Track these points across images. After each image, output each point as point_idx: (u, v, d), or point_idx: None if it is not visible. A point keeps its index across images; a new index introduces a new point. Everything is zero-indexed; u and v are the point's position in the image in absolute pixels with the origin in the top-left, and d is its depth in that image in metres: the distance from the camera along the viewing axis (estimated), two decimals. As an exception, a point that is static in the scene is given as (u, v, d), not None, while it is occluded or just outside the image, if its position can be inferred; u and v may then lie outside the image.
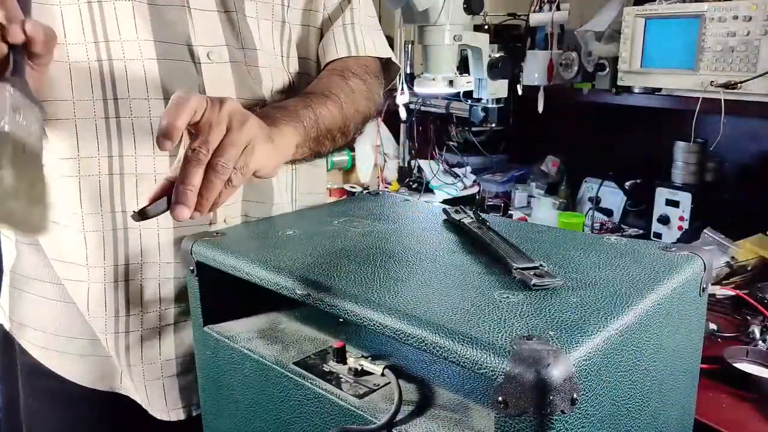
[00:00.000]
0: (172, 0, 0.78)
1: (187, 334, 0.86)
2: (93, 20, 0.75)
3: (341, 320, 0.59)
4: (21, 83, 0.63)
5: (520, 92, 1.92)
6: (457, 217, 0.78)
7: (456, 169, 2.35)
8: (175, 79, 0.78)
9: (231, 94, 0.82)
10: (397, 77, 2.12)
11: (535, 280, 0.56)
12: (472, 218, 0.77)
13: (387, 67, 1.01)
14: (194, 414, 0.88)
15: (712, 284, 1.30)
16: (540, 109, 1.88)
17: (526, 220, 1.99)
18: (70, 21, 0.75)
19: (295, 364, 0.66)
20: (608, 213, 1.93)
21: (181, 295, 0.84)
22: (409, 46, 2.17)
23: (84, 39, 0.76)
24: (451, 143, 2.41)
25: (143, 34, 0.77)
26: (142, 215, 0.63)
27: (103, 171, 0.78)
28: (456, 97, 2.00)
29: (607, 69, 1.72)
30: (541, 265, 0.60)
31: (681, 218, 1.66)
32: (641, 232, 1.81)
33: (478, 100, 1.86)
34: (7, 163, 0.57)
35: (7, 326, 0.92)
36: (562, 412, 0.45)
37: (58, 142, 0.78)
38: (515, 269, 0.59)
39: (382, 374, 0.62)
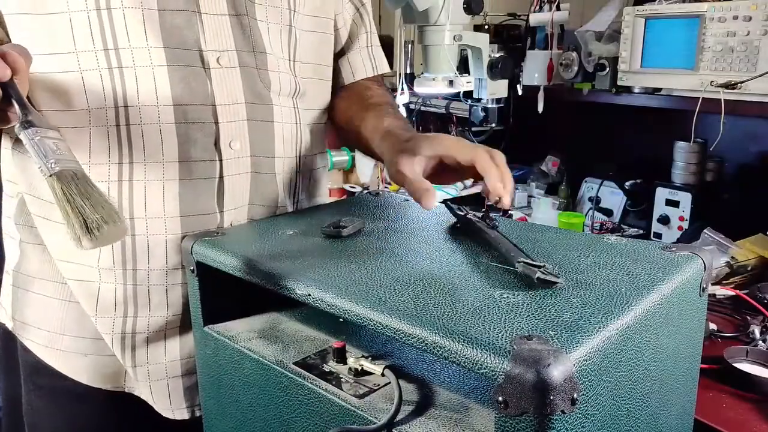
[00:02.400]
0: (182, 5, 0.77)
1: (192, 336, 0.86)
2: (102, 28, 0.75)
3: (341, 320, 0.59)
4: (36, 117, 0.63)
5: (520, 92, 1.92)
6: (460, 213, 0.79)
7: (456, 169, 2.34)
8: (184, 86, 0.78)
9: (240, 98, 0.82)
10: (397, 77, 2.13)
11: (539, 274, 0.56)
12: (472, 218, 0.77)
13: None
14: (197, 414, 0.88)
15: (712, 284, 1.31)
16: (540, 109, 1.88)
17: (526, 220, 1.99)
18: (79, 29, 0.74)
19: (295, 364, 0.66)
20: (608, 213, 1.93)
21: (188, 301, 0.84)
22: (409, 46, 2.17)
23: (93, 46, 0.75)
24: (451, 143, 2.41)
25: (153, 41, 0.76)
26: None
27: (113, 178, 0.78)
28: (456, 97, 1.99)
29: (607, 69, 1.72)
30: (545, 266, 0.59)
31: (681, 218, 1.67)
32: (641, 232, 1.81)
33: (478, 100, 1.86)
34: (77, 193, 0.60)
35: (9, 326, 0.92)
36: (562, 412, 0.45)
37: (74, 150, 0.78)
38: (519, 262, 0.59)
39: (382, 374, 0.62)
